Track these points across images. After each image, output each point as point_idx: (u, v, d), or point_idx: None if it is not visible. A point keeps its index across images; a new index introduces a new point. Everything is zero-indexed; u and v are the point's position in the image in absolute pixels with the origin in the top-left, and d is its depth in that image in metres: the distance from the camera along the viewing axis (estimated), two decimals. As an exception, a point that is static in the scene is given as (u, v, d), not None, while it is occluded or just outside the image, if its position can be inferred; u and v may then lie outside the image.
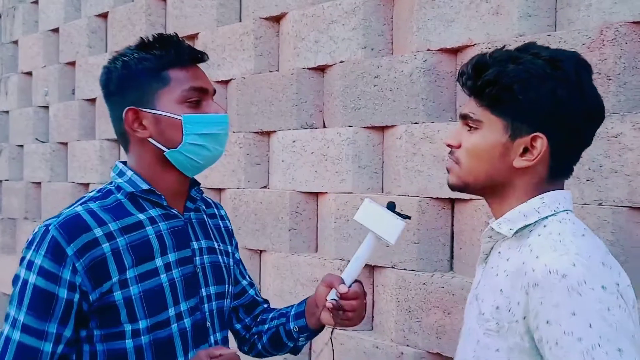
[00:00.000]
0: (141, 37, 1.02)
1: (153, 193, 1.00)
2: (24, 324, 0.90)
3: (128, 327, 0.94)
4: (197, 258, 1.03)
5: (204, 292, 1.02)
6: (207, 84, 1.02)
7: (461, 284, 1.69)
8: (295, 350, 1.17)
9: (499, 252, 0.88)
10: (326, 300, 1.02)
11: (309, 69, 2.18)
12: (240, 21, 2.49)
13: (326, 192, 2.08)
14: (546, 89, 0.79)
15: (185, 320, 0.99)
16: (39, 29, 3.62)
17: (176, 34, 1.04)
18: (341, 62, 2.07)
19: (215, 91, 1.04)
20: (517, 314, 0.80)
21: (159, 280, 0.97)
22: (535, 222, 0.83)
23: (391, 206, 0.99)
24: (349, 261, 1.02)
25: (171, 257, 0.99)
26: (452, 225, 1.81)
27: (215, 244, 1.08)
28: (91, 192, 1.02)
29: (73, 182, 3.24)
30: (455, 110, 1.85)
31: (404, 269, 1.83)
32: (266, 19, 2.35)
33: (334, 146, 2.05)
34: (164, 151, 0.99)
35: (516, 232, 0.85)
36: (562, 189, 0.87)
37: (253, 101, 2.35)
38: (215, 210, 1.16)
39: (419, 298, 1.78)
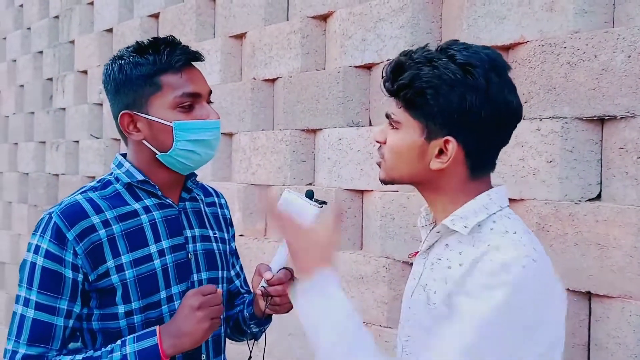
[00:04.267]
0: (137, 41, 1.05)
1: (148, 184, 1.05)
2: (37, 302, 0.97)
3: (122, 309, 1.00)
4: (190, 245, 1.08)
5: (195, 277, 1.08)
6: (199, 88, 1.04)
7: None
8: (253, 336, 1.21)
9: (446, 245, 0.90)
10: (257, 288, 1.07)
11: (356, 67, 2.19)
12: (288, 20, 2.52)
13: (372, 190, 2.09)
14: (456, 95, 0.81)
15: (175, 302, 1.05)
16: (94, 29, 3.78)
17: (172, 37, 1.05)
18: (388, 60, 2.06)
19: (210, 92, 1.07)
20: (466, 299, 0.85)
21: (152, 266, 1.03)
22: (487, 217, 0.88)
23: (309, 194, 1.03)
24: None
25: (164, 243, 1.05)
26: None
27: (211, 232, 1.13)
28: (92, 182, 1.08)
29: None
30: (506, 109, 1.82)
31: (451, 269, 1.81)
32: (313, 17, 2.38)
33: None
34: (156, 154, 1.04)
35: (445, 229, 0.89)
36: (489, 182, 0.91)
37: (299, 99, 2.38)
38: (215, 198, 1.21)
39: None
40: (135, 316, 1.01)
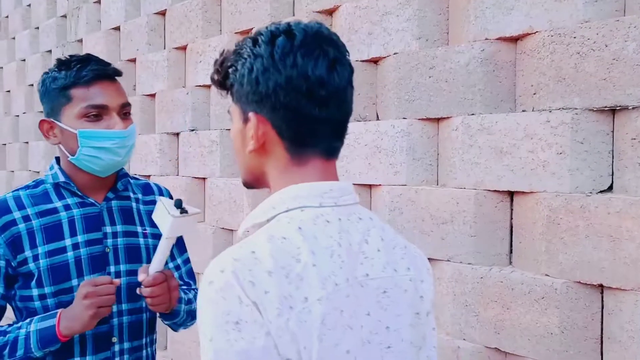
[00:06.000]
0: (58, 58, 1.21)
1: (69, 184, 1.21)
2: None
3: (36, 292, 1.15)
4: (109, 240, 1.21)
5: (112, 269, 1.21)
6: (107, 100, 1.17)
7: (521, 278, 1.66)
8: (172, 328, 1.35)
9: None
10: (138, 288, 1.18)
11: (362, 61, 2.17)
12: (294, 15, 2.51)
13: (380, 185, 2.09)
14: (245, 67, 0.75)
15: None
16: (102, 27, 3.79)
17: (89, 54, 1.22)
18: (395, 53, 2.05)
19: (125, 104, 1.20)
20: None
21: (65, 257, 1.17)
22: (270, 218, 0.75)
23: (177, 203, 1.12)
24: None
25: (80, 238, 1.19)
26: (512, 218, 1.77)
27: (139, 228, 1.26)
28: (29, 182, 1.26)
29: (135, 174, 3.38)
30: (515, 101, 1.80)
31: (460, 262, 1.81)
32: (319, 12, 2.36)
33: (387, 138, 2.04)
34: (68, 157, 1.19)
35: (252, 228, 0.77)
36: (327, 168, 0.77)
37: (306, 94, 2.37)
38: (158, 196, 1.32)
39: (476, 292, 1.75)
40: (48, 299, 1.15)
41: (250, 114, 0.76)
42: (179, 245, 1.35)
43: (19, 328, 1.13)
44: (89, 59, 1.20)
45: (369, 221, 0.79)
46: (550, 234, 1.60)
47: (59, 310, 1.13)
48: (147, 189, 1.32)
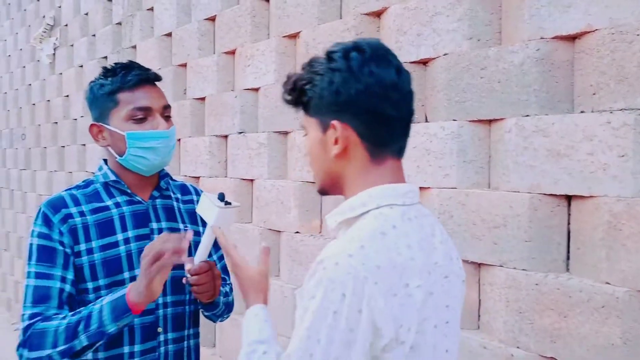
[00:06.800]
0: (104, 67, 1.30)
1: (119, 183, 1.29)
2: (36, 272, 1.20)
3: (90, 285, 1.22)
4: (156, 236, 1.27)
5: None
6: (151, 102, 1.26)
7: (579, 286, 1.60)
8: (211, 320, 1.42)
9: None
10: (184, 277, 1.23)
11: (411, 62, 2.15)
12: (341, 18, 2.52)
13: (429, 187, 2.06)
14: (325, 81, 0.87)
15: None
16: (154, 34, 3.93)
17: (131, 61, 1.30)
18: (445, 54, 2.02)
19: (166, 106, 1.28)
20: (303, 294, 0.87)
21: (117, 251, 1.24)
22: (361, 214, 0.88)
23: (221, 196, 1.19)
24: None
25: (130, 233, 1.26)
26: (569, 223, 1.71)
27: (181, 225, 1.34)
28: (79, 182, 1.33)
29: (185, 176, 3.49)
30: (573, 101, 1.73)
31: (514, 268, 1.76)
32: (367, 14, 2.36)
33: (437, 140, 2.02)
34: (117, 158, 1.27)
35: (342, 223, 0.90)
36: (392, 168, 0.90)
37: (354, 97, 2.37)
38: (194, 196, 1.41)
39: (530, 299, 1.70)
40: (102, 291, 1.21)
41: (334, 122, 0.88)
42: (214, 242, 1.39)
43: (94, 304, 1.16)
44: (132, 65, 1.28)
45: (431, 217, 0.94)
46: (612, 240, 1.54)
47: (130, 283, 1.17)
48: (184, 189, 1.41)
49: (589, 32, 1.64)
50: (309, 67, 0.91)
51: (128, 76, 1.25)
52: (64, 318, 1.16)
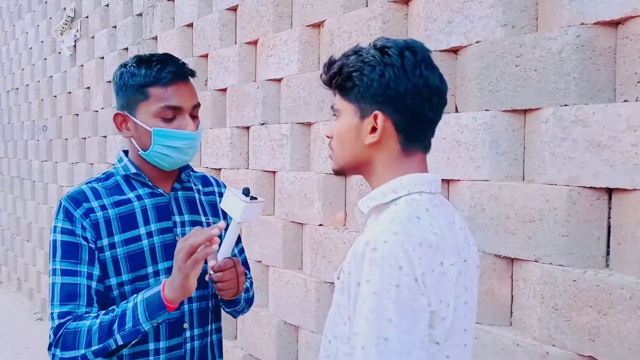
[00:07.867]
0: (138, 55, 1.25)
1: (140, 176, 1.26)
2: (62, 269, 1.16)
3: (114, 281, 1.19)
4: (179, 229, 1.26)
5: None
6: (182, 102, 1.21)
7: (621, 283, 1.53)
8: (232, 315, 1.40)
9: (367, 227, 1.00)
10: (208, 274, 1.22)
11: (441, 51, 2.09)
12: (367, 6, 2.46)
13: (459, 180, 2.00)
14: (376, 73, 0.92)
15: (162, 277, 1.22)
16: (175, 25, 3.90)
17: (168, 54, 1.25)
18: (477, 42, 1.95)
19: (196, 105, 1.24)
20: (352, 279, 0.89)
21: (140, 245, 1.21)
22: (392, 200, 0.94)
23: (246, 191, 1.17)
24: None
25: (153, 226, 1.23)
26: (609, 217, 1.64)
27: (203, 217, 1.31)
28: (98, 174, 1.30)
29: (206, 168, 3.46)
30: (615, 90, 1.66)
31: (550, 264, 1.70)
32: (394, 1, 2.30)
33: (468, 131, 1.95)
34: (139, 151, 1.24)
35: (373, 208, 0.96)
36: (420, 161, 0.97)
37: (381, 86, 2.31)
38: (215, 188, 1.39)
39: (567, 295, 1.64)
40: (125, 287, 1.19)
41: (377, 112, 0.93)
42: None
43: (126, 302, 1.14)
44: (169, 59, 1.23)
45: (450, 205, 1.02)
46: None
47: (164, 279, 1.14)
48: (205, 180, 1.38)
49: (634, 17, 1.56)
50: (356, 56, 0.94)
51: (163, 72, 1.20)
52: (96, 317, 1.13)
